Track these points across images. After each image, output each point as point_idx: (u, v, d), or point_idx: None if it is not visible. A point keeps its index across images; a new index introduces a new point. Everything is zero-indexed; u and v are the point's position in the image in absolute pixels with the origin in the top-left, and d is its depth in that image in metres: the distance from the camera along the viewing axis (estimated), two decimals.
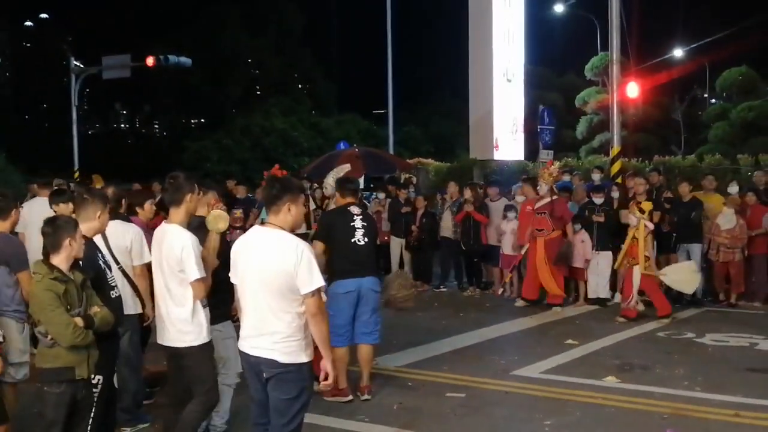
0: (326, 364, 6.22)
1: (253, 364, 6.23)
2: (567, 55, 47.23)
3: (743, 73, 38.94)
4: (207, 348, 7.13)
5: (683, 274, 14.86)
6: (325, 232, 9.82)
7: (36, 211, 9.29)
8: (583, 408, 9.39)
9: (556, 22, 46.17)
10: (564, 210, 16.14)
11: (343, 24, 66.29)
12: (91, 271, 7.02)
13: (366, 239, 9.77)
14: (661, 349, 12.44)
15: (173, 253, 6.95)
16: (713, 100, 47.66)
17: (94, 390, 7.07)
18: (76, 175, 31.78)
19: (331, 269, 9.76)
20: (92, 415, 6.93)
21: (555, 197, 16.09)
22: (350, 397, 9.72)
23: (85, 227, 7.13)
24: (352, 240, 9.69)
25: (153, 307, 8.52)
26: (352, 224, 9.74)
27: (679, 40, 47.05)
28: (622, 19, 19.55)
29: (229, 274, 6.51)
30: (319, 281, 6.09)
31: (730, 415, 8.99)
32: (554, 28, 47.05)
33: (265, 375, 6.16)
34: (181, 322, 7.01)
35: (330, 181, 17.00)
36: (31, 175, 12.34)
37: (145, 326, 8.90)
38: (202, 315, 7.08)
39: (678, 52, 46.48)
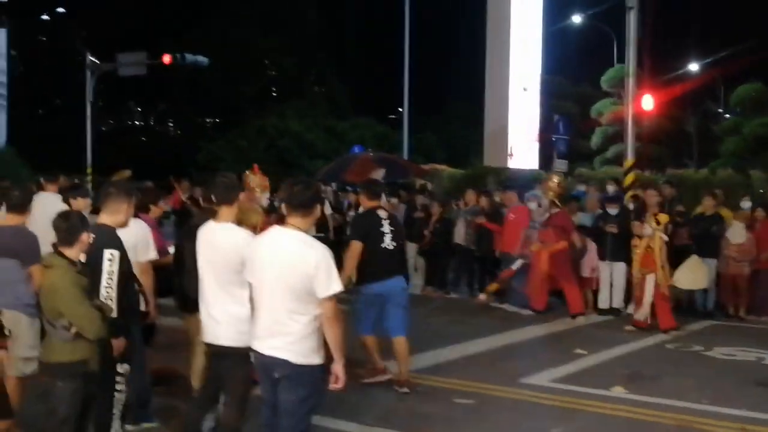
0: (338, 368, 6.27)
1: (265, 364, 6.27)
2: (583, 66, 47.19)
3: (757, 89, 38.92)
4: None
5: (692, 272, 15.01)
6: (363, 232, 10.17)
7: (40, 206, 9.25)
8: (591, 418, 9.49)
9: (573, 33, 46.24)
10: (566, 221, 16.24)
11: (360, 28, 66.26)
12: (127, 262, 7.17)
13: (394, 243, 10.13)
14: (669, 361, 12.54)
15: (233, 251, 6.93)
16: (726, 115, 47.61)
17: (121, 378, 7.24)
18: (89, 171, 31.95)
19: (362, 272, 10.10)
20: (121, 404, 7.18)
21: (556, 210, 16.21)
22: (389, 375, 10.28)
23: (112, 219, 7.23)
24: (382, 245, 10.03)
25: (156, 305, 8.71)
26: (381, 229, 10.07)
27: (694, 54, 47.09)
28: (640, 32, 19.70)
29: (244, 272, 6.58)
30: (337, 286, 6.14)
31: (736, 429, 9.08)
32: (571, 39, 47.08)
33: (276, 375, 6.20)
34: (242, 323, 6.87)
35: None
36: (40, 171, 12.37)
37: (150, 324, 8.88)
38: None
39: (693, 66, 46.54)
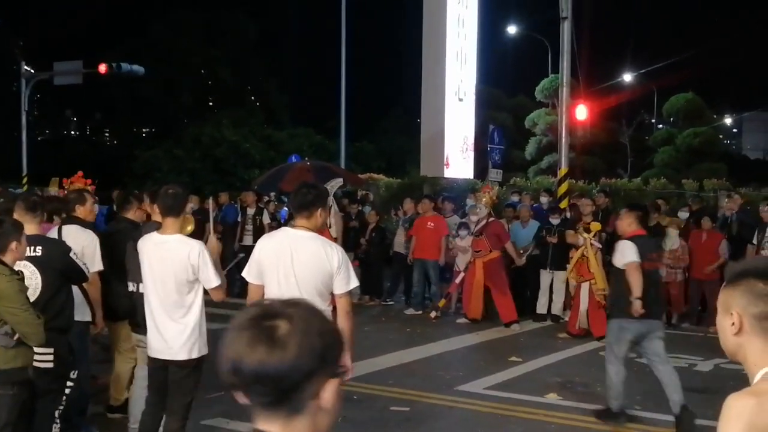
0: (348, 360, 6.38)
1: None
2: (518, 77, 47.65)
3: (689, 99, 39.51)
4: (204, 359, 7.23)
5: None
6: None
7: None
8: (525, 424, 9.56)
9: (508, 44, 46.62)
10: (500, 229, 16.43)
11: (297, 37, 66.36)
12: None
13: None
14: (602, 368, 12.50)
15: (187, 262, 6.91)
16: (660, 126, 48.24)
17: (71, 383, 7.27)
18: (25, 180, 31.56)
19: None
20: (60, 408, 7.23)
21: (491, 219, 16.43)
22: None
23: (40, 229, 7.37)
24: None
25: (103, 316, 8.65)
26: None
27: (629, 65, 47.71)
28: (573, 42, 19.85)
29: (244, 274, 6.77)
30: (354, 282, 6.71)
31: None
32: (506, 50, 47.48)
33: None
34: (192, 335, 7.02)
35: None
36: None
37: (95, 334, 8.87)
38: (205, 325, 7.17)
39: (627, 77, 47.10)
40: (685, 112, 39.50)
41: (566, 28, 19.58)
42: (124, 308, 8.46)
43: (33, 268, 7.01)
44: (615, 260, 9.96)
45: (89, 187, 11.21)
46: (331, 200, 17.59)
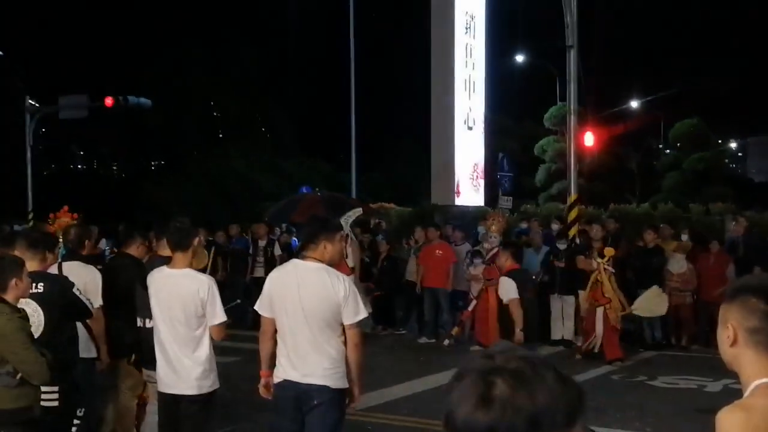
0: (357, 389, 6.71)
1: (301, 393, 6.47)
2: (527, 104, 47.68)
3: (695, 125, 39.59)
4: (216, 393, 7.26)
5: (651, 301, 15.33)
6: None
7: None
8: None
9: (516, 72, 46.78)
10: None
11: (306, 69, 66.41)
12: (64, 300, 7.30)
13: None
14: (614, 391, 12.74)
15: (196, 296, 6.95)
16: (667, 151, 48.27)
17: (78, 421, 7.24)
18: (30, 216, 31.43)
19: None
20: None
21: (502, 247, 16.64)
22: None
23: (44, 266, 7.45)
24: None
25: (108, 351, 8.60)
26: None
27: (635, 91, 47.83)
28: (580, 70, 19.99)
29: (257, 307, 6.78)
30: (363, 313, 6.65)
31: None
32: (514, 78, 47.61)
33: (315, 402, 6.43)
34: (202, 369, 7.04)
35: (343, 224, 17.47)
36: None
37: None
38: (215, 358, 7.20)
39: (634, 104, 47.24)
40: (690, 137, 39.59)
41: (573, 57, 19.72)
42: (125, 345, 8.49)
43: (35, 305, 6.95)
44: (500, 294, 11.59)
45: (75, 221, 11.21)
46: (348, 230, 17.79)
